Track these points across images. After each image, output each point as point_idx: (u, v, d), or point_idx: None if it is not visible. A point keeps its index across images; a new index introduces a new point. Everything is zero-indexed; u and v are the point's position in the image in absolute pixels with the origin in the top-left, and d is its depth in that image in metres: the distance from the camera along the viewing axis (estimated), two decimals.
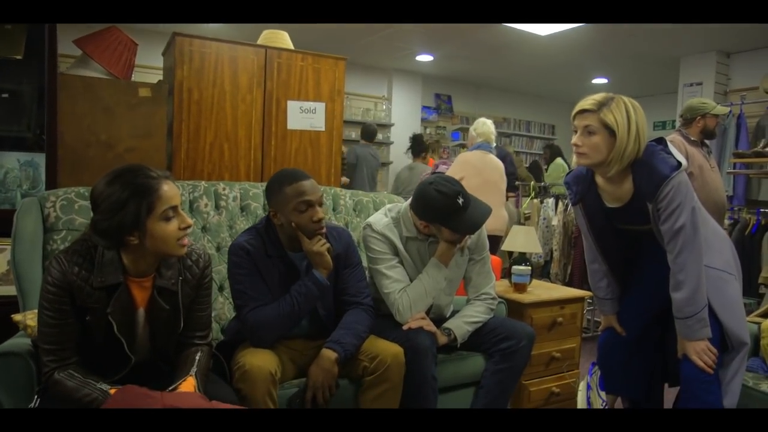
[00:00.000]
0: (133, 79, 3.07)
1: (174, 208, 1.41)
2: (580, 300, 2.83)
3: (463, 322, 2.10)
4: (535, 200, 5.05)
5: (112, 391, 1.35)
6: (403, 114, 7.73)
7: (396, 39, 6.08)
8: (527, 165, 8.35)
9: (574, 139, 1.83)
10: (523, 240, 3.00)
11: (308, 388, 1.73)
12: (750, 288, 3.90)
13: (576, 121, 1.82)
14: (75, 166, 2.64)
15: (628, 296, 2.07)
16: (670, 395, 2.12)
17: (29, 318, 1.59)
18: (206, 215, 2.25)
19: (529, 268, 2.81)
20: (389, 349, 1.84)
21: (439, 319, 2.16)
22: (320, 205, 1.82)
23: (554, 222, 4.66)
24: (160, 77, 3.56)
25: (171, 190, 1.41)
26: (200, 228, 2.23)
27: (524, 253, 2.94)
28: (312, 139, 3.33)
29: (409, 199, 2.13)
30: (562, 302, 2.74)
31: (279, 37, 3.44)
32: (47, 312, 1.37)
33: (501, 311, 2.36)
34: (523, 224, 4.76)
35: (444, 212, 1.96)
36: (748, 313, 2.39)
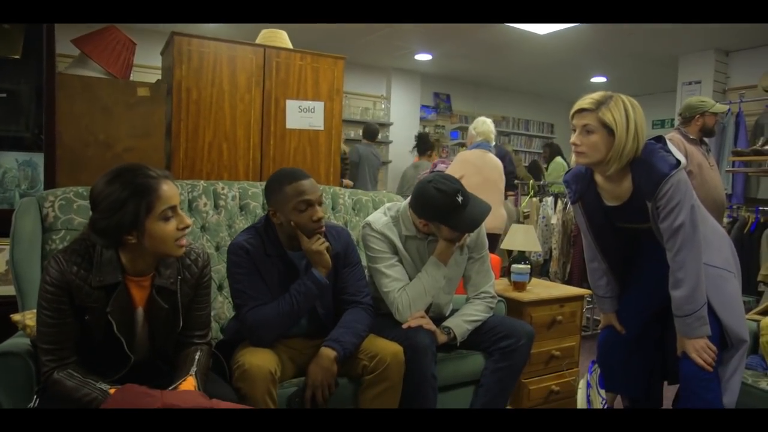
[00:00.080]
0: (131, 78, 3.06)
1: (173, 208, 1.41)
2: (579, 298, 2.83)
3: (463, 321, 2.10)
4: (534, 199, 5.05)
5: (112, 391, 1.35)
6: (402, 113, 7.73)
7: (395, 38, 6.07)
8: (527, 164, 8.36)
9: (573, 138, 1.83)
10: (522, 238, 3.00)
11: (307, 386, 1.73)
12: (749, 286, 3.91)
13: (574, 120, 1.82)
14: (73, 165, 2.63)
15: (627, 294, 2.07)
16: (669, 393, 2.12)
17: (28, 318, 1.59)
18: (205, 215, 2.25)
19: (529, 266, 2.81)
20: (389, 348, 1.84)
21: (438, 318, 2.16)
22: (320, 204, 1.82)
23: (553, 220, 4.66)
24: (159, 77, 3.56)
25: (170, 190, 1.41)
26: (199, 227, 2.23)
27: (523, 252, 2.94)
28: (311, 139, 3.32)
29: (408, 198, 2.13)
30: (561, 301, 2.74)
31: (278, 36, 3.43)
32: (46, 311, 1.37)
33: (500, 310, 2.36)
34: (523, 223, 4.76)
35: (443, 210, 1.96)
36: (747, 311, 2.39)
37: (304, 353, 1.87)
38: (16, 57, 2.42)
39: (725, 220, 4.35)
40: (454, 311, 2.21)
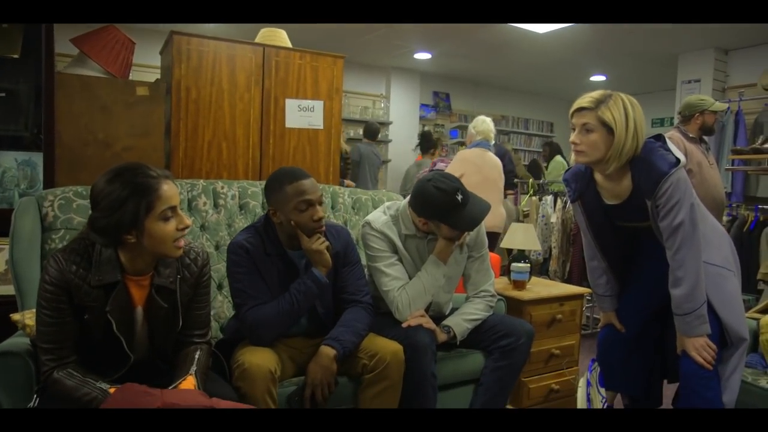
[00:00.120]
0: (130, 77, 3.06)
1: (173, 208, 1.41)
2: (579, 297, 2.83)
3: (463, 320, 2.10)
4: (534, 198, 5.05)
5: (112, 390, 1.35)
6: (401, 112, 7.72)
7: (394, 37, 6.07)
8: (526, 163, 8.35)
9: (572, 137, 1.83)
10: (522, 237, 3.00)
11: (307, 385, 1.73)
12: (748, 284, 3.91)
13: (574, 119, 1.82)
14: (73, 165, 2.63)
15: (627, 293, 2.07)
16: (669, 392, 2.13)
17: (28, 317, 1.59)
18: (205, 214, 2.25)
19: (528, 265, 2.81)
20: (388, 347, 1.84)
21: (438, 317, 2.16)
22: (320, 203, 1.82)
23: (553, 219, 4.66)
24: (158, 76, 3.55)
25: (170, 190, 1.41)
26: (199, 226, 2.23)
27: (523, 251, 2.94)
28: (310, 138, 3.32)
29: (408, 197, 2.13)
30: (561, 299, 2.74)
31: (277, 35, 3.43)
32: (45, 311, 1.37)
33: (500, 308, 2.36)
34: (522, 222, 4.76)
35: (443, 209, 1.96)
36: (747, 309, 2.39)
37: (304, 352, 1.87)
38: (15, 56, 2.42)
39: (725, 218, 4.36)
40: (453, 310, 2.21)
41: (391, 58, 7.11)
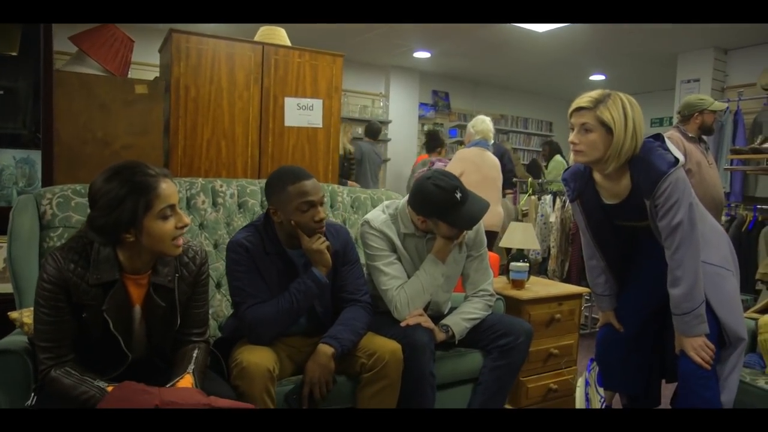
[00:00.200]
0: (129, 76, 3.05)
1: (172, 207, 1.41)
2: (577, 296, 2.83)
3: (461, 319, 2.10)
4: (533, 197, 5.05)
5: (110, 389, 1.35)
6: (400, 111, 7.72)
7: (393, 36, 6.07)
8: (525, 162, 8.36)
9: (571, 136, 1.83)
10: (520, 237, 3.00)
11: (305, 383, 1.73)
12: (747, 284, 3.91)
13: (573, 119, 1.82)
14: (71, 163, 2.63)
15: (625, 292, 2.07)
16: (667, 391, 2.13)
17: (26, 315, 1.59)
18: (203, 212, 2.25)
19: (527, 264, 2.81)
20: (387, 346, 1.84)
21: (437, 316, 2.16)
22: (321, 204, 1.82)
23: (552, 219, 4.67)
24: (157, 74, 3.55)
25: (169, 189, 1.41)
26: (197, 225, 2.22)
27: (522, 250, 2.94)
28: (309, 136, 3.32)
29: (407, 196, 2.12)
30: (559, 299, 2.74)
31: (276, 33, 3.42)
32: (43, 309, 1.37)
33: (499, 308, 2.36)
34: (521, 221, 4.77)
35: (442, 207, 1.96)
36: (745, 309, 2.39)
37: (303, 351, 1.86)
38: (14, 54, 2.42)
39: (723, 218, 4.36)
40: (452, 309, 2.21)
41: (390, 57, 7.11)
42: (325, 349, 1.77)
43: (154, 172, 1.40)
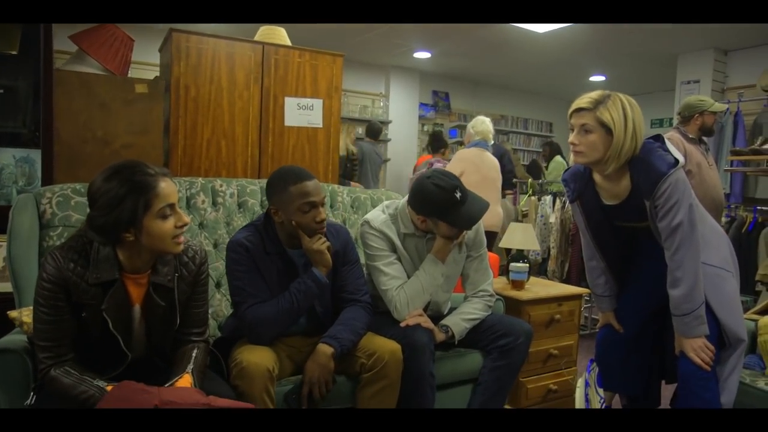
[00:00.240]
0: (129, 75, 3.05)
1: (171, 206, 1.41)
2: (577, 297, 2.83)
3: (461, 319, 2.10)
4: (533, 198, 5.05)
5: (109, 388, 1.35)
6: (400, 111, 7.72)
7: (393, 36, 6.06)
8: (526, 163, 8.35)
9: (571, 137, 1.83)
10: (520, 237, 3.00)
11: (304, 383, 1.73)
12: (747, 285, 3.91)
13: (572, 120, 1.82)
14: (71, 162, 2.62)
15: (625, 293, 2.07)
16: (667, 392, 2.13)
17: (25, 315, 1.59)
18: (203, 212, 2.24)
19: (527, 265, 2.81)
20: (387, 346, 1.84)
21: (436, 316, 2.15)
22: (322, 205, 1.82)
23: (552, 219, 4.67)
24: (157, 73, 3.55)
25: (168, 188, 1.41)
26: (197, 225, 2.22)
27: (522, 250, 2.94)
28: (309, 136, 3.32)
29: (407, 196, 2.12)
30: (559, 299, 2.74)
31: (276, 33, 3.42)
32: (42, 308, 1.37)
33: (499, 308, 2.36)
34: (521, 221, 4.76)
35: (441, 206, 1.96)
36: (745, 310, 2.39)
37: (302, 351, 1.86)
38: (14, 53, 2.41)
39: (723, 219, 4.36)
40: (452, 309, 2.21)
41: (390, 57, 7.11)
42: (325, 349, 1.76)
43: (153, 172, 1.40)
